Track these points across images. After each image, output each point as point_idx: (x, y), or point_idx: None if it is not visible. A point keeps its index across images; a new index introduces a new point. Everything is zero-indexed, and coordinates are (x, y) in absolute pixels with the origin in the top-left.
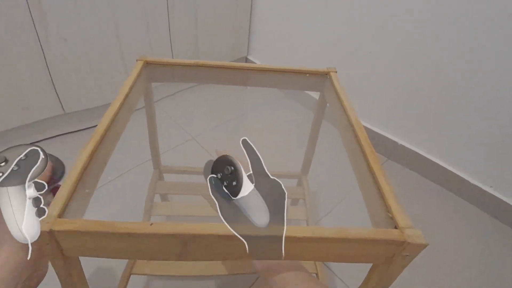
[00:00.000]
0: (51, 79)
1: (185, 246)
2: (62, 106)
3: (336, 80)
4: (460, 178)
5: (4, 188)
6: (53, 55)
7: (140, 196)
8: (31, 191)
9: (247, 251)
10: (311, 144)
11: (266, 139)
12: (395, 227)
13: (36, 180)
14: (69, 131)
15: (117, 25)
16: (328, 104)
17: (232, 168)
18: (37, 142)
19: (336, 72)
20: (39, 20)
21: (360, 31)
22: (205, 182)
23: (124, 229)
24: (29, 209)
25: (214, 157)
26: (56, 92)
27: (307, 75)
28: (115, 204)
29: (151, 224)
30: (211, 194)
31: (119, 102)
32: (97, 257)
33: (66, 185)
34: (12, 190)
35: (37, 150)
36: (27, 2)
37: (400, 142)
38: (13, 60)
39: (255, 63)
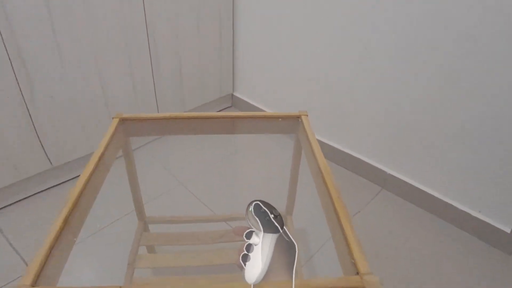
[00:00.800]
0: (37, 136)
1: None
2: (49, 160)
3: (307, 124)
4: (450, 205)
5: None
6: (38, 112)
7: (125, 248)
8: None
9: None
10: (292, 185)
11: (251, 180)
12: (357, 273)
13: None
14: (59, 182)
15: (102, 78)
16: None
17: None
18: (27, 197)
19: (307, 115)
20: (24, 80)
21: (342, 67)
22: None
23: None
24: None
25: (202, 203)
26: (43, 148)
27: (280, 119)
28: (99, 258)
29: None
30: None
31: (93, 165)
32: None
33: (39, 252)
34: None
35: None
36: (11, 64)
37: (389, 172)
38: (0, 121)
39: (241, 98)
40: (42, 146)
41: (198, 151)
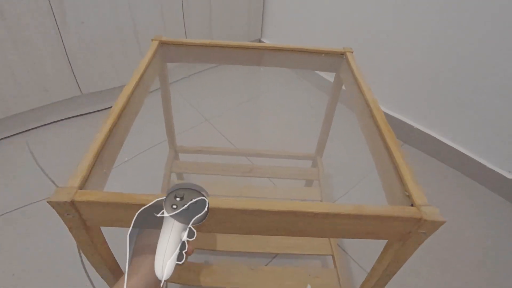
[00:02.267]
0: (69, 61)
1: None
2: (79, 87)
3: (353, 61)
4: (477, 162)
5: (172, 220)
6: (71, 38)
7: (155, 175)
8: (184, 235)
9: None
10: (325, 126)
11: (280, 121)
12: (412, 205)
13: (191, 227)
14: (86, 112)
15: (132, 6)
16: (343, 86)
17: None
18: (56, 122)
19: (353, 52)
20: (57, 2)
21: (380, 12)
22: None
23: (142, 200)
24: (175, 249)
25: (228, 139)
26: (74, 74)
27: (323, 55)
28: (132, 183)
29: None
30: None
31: (134, 82)
32: (117, 227)
33: (85, 160)
34: (176, 225)
35: (206, 201)
36: None
37: (416, 126)
38: (34, 43)
39: None
40: (72, 71)
41: (226, 90)
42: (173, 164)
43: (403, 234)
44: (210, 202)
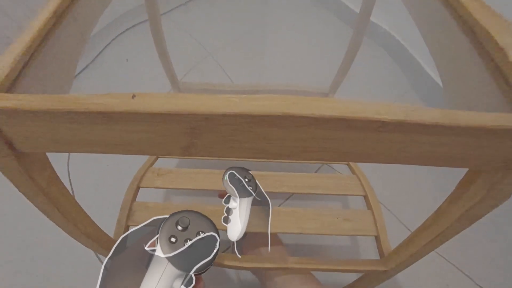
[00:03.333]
0: None
1: (193, 134)
2: None
3: None
4: None
5: (165, 261)
6: None
7: None
8: (178, 284)
9: None
10: (346, 63)
11: (291, 53)
12: None
13: (192, 274)
14: None
15: None
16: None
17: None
18: None
19: None
20: None
21: None
22: None
23: (92, 106)
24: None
25: (232, 77)
26: None
27: None
28: None
29: (134, 97)
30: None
31: None
32: (65, 152)
33: (18, 45)
34: (170, 269)
35: (216, 240)
36: None
37: None
38: None
39: None
40: None
41: (229, 20)
42: None
43: (508, 161)
44: (207, 103)
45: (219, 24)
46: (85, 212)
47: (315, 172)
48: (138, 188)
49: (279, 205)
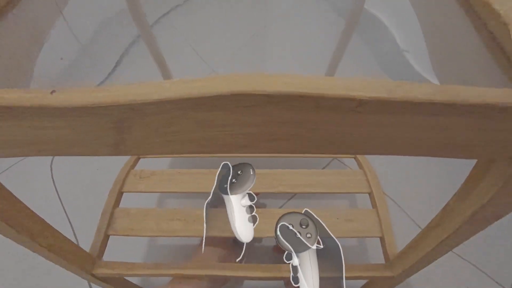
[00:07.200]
0: None
1: (121, 128)
2: None
3: None
4: None
5: (228, 196)
6: None
7: None
8: (245, 200)
9: None
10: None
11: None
12: None
13: (248, 191)
14: None
15: None
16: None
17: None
18: None
19: None
20: None
21: None
22: None
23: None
24: (243, 215)
25: None
26: None
27: None
28: None
29: (53, 92)
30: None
31: None
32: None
33: None
34: (234, 198)
35: (250, 167)
36: None
37: None
38: None
39: None
40: None
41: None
42: None
43: None
44: (134, 91)
45: (219, 30)
46: (45, 222)
47: (323, 168)
48: (120, 193)
49: (281, 206)
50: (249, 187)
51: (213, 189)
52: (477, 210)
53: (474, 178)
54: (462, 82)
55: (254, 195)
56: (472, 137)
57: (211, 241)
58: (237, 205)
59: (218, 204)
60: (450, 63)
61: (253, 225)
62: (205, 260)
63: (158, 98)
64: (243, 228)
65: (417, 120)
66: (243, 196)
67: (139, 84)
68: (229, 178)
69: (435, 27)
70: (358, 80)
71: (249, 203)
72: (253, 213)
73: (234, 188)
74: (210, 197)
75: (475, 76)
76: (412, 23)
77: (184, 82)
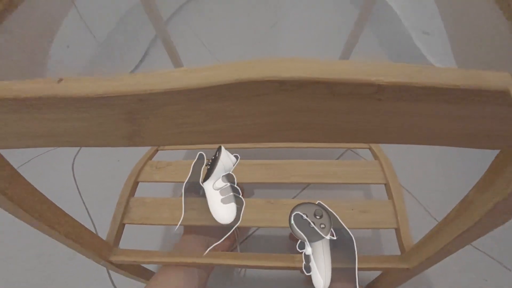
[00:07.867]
0: None
1: (133, 120)
2: None
3: None
4: None
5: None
6: None
7: None
8: (218, 183)
9: None
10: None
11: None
12: None
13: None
14: None
15: None
16: None
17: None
18: None
19: None
20: None
21: None
22: None
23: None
24: (217, 198)
25: None
26: None
27: None
28: None
29: (60, 81)
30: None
31: None
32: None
33: None
34: (206, 184)
35: (219, 150)
36: None
37: None
38: None
39: None
40: None
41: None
42: None
43: None
44: (146, 81)
45: (231, 25)
46: (62, 210)
47: (337, 158)
48: (136, 183)
49: (294, 197)
50: (221, 169)
51: (187, 179)
52: (499, 202)
53: (496, 168)
54: (484, 66)
55: (233, 175)
56: (496, 126)
57: (194, 229)
58: (210, 190)
59: (203, 193)
60: (471, 46)
61: (238, 207)
62: (189, 248)
63: (169, 88)
64: (219, 211)
65: (438, 108)
66: (216, 180)
67: (149, 74)
68: (202, 167)
69: (456, 10)
70: (377, 64)
71: (221, 185)
72: (228, 195)
73: (208, 174)
74: (185, 185)
75: (498, 60)
76: (424, 9)
77: (191, 71)
